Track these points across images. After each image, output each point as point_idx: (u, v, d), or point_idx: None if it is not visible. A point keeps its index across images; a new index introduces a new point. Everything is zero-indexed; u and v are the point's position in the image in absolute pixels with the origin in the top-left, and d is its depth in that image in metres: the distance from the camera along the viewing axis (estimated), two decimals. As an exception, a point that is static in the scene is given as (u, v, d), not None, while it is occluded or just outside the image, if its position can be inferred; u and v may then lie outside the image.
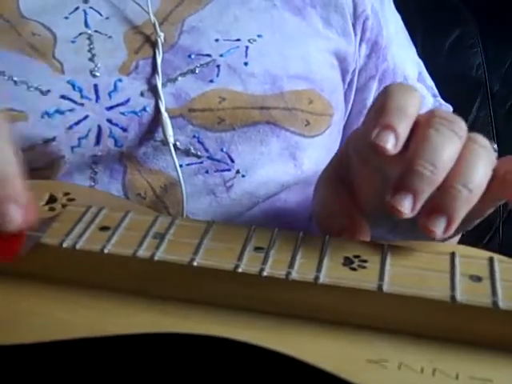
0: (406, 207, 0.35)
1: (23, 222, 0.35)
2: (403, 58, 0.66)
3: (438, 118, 0.37)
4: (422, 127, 0.37)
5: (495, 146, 0.45)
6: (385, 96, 0.38)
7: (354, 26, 0.61)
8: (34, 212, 0.35)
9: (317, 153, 0.58)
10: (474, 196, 0.36)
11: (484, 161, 0.37)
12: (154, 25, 0.54)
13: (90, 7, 0.56)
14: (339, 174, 0.44)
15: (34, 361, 0.36)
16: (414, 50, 0.69)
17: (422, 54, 0.71)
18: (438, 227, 0.35)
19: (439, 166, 0.35)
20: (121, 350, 0.35)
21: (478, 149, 0.37)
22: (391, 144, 0.36)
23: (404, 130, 0.36)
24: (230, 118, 0.53)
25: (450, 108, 0.69)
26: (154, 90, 0.52)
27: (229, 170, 0.54)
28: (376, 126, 0.36)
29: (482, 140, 0.38)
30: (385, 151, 0.36)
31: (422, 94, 0.65)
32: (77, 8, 0.55)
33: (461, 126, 0.37)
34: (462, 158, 0.36)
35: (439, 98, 0.68)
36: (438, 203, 0.36)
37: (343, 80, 0.62)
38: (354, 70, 0.63)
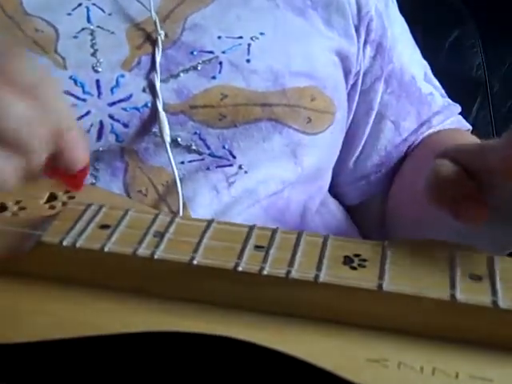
0: None
1: (85, 162, 0.39)
2: (409, 59, 0.66)
3: None
4: None
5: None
6: None
7: (358, 27, 0.61)
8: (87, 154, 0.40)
9: (318, 151, 0.58)
10: None
11: None
12: (155, 22, 0.54)
13: (93, 4, 0.56)
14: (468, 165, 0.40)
15: (36, 359, 0.35)
16: (418, 51, 0.69)
17: (422, 54, 0.70)
18: None
19: None
20: (121, 348, 0.35)
21: None
22: None
23: None
24: (232, 115, 0.53)
25: (458, 108, 0.69)
26: (153, 87, 0.52)
27: (231, 165, 0.54)
28: None
29: None
30: None
31: (431, 92, 0.65)
32: (80, 4, 0.55)
33: None
34: None
35: (447, 99, 0.68)
36: None
37: (346, 80, 0.62)
38: (358, 72, 0.62)
